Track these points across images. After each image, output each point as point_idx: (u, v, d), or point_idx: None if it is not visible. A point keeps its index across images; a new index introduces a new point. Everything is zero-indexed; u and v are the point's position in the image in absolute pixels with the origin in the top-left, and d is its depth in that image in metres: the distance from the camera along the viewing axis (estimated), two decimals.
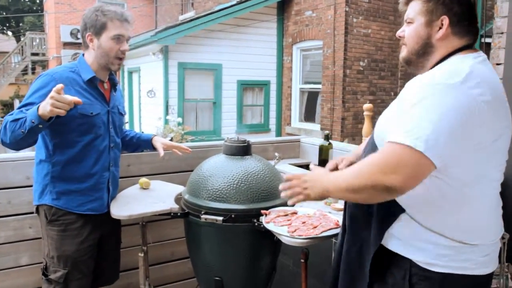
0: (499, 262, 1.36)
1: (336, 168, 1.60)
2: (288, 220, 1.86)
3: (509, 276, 2.14)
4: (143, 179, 2.38)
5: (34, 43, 18.92)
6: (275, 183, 2.08)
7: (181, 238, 2.41)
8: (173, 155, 2.48)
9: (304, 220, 1.86)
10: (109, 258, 2.16)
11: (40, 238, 2.09)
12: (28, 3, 28.02)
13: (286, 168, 2.83)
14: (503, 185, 2.15)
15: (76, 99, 1.66)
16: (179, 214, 2.04)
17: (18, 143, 1.75)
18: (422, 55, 1.33)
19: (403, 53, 1.38)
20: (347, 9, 7.59)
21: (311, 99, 9.00)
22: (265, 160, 2.20)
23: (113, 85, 2.13)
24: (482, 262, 1.24)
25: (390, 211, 1.27)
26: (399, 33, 1.39)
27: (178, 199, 2.17)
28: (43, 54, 18.97)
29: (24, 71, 20.44)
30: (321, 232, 1.74)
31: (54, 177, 1.93)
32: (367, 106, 2.89)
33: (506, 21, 2.17)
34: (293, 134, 8.91)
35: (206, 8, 12.25)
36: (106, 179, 2.06)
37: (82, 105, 1.89)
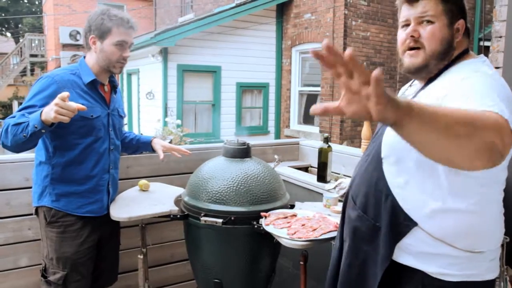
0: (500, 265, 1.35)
1: None
2: (288, 222, 1.86)
3: (508, 279, 2.15)
4: (143, 181, 2.38)
5: (33, 45, 18.93)
6: (274, 185, 2.09)
7: (181, 240, 2.41)
8: (172, 157, 2.48)
9: (303, 222, 1.87)
10: (108, 260, 2.16)
11: (39, 239, 2.09)
12: (28, 4, 28.01)
13: (285, 170, 2.83)
14: (504, 188, 2.15)
15: (80, 106, 1.66)
16: (178, 216, 2.04)
17: (19, 147, 1.76)
18: (442, 58, 1.26)
19: (418, 58, 1.26)
20: (346, 12, 7.61)
21: (310, 101, 9.01)
22: (265, 163, 2.20)
23: (113, 87, 2.13)
24: (489, 267, 1.24)
25: (403, 224, 1.22)
26: (411, 32, 1.25)
27: (177, 201, 2.18)
28: (42, 56, 18.97)
29: (23, 73, 20.42)
30: (321, 235, 1.75)
31: (54, 179, 1.93)
32: None
33: (505, 25, 2.18)
34: (292, 137, 8.92)
35: (205, 10, 12.27)
36: (106, 181, 2.06)
37: None
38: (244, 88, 9.31)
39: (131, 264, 2.40)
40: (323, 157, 2.54)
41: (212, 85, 8.94)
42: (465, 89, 1.10)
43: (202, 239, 2.01)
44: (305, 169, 3.16)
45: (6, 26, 28.85)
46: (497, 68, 2.23)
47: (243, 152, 2.12)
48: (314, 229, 1.80)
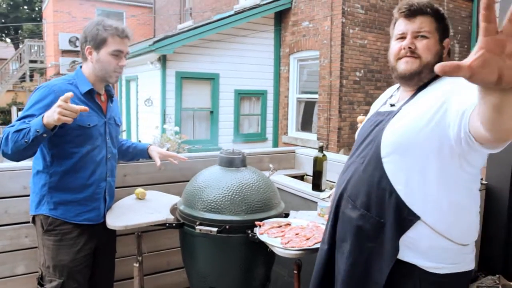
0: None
1: None
2: (282, 231, 1.89)
3: (500, 287, 2.17)
4: (139, 190, 2.40)
5: (32, 51, 18.97)
6: (269, 194, 2.11)
7: (177, 248, 2.43)
8: (169, 165, 2.51)
9: (297, 231, 1.89)
10: (104, 267, 2.18)
11: (36, 247, 2.11)
12: (27, 10, 28.09)
13: (281, 179, 2.86)
14: (487, 189, 2.19)
15: (82, 107, 1.69)
16: (174, 225, 2.06)
17: (20, 154, 1.76)
18: (432, 69, 1.32)
19: (414, 64, 1.39)
20: (343, 20, 7.68)
21: (307, 108, 9.05)
22: (260, 172, 2.23)
23: (110, 96, 2.16)
24: (471, 259, 1.38)
25: (407, 219, 1.31)
26: (409, 44, 1.39)
27: (173, 210, 2.20)
28: (41, 62, 19.01)
29: (22, 78, 20.47)
30: (314, 244, 1.77)
31: (51, 187, 1.96)
32: (360, 118, 2.93)
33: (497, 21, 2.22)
34: (290, 144, 8.95)
35: (204, 17, 12.34)
36: (103, 189, 2.09)
37: (80, 116, 1.92)
38: (242, 95, 9.36)
39: (127, 272, 2.42)
40: (318, 166, 2.57)
41: (210, 92, 8.98)
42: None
43: (197, 248, 2.04)
44: (301, 177, 3.18)
45: (6, 32, 28.93)
46: None
47: (238, 161, 2.15)
48: (308, 238, 1.82)
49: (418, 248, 1.32)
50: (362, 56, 7.99)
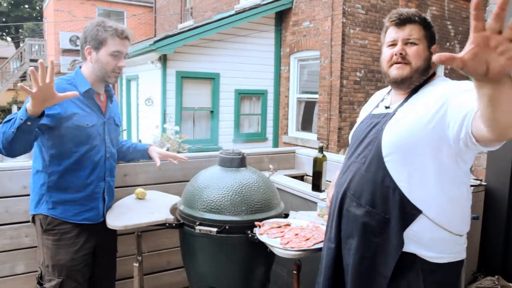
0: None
1: None
2: (281, 232, 1.89)
3: None
4: (139, 189, 2.40)
5: (33, 49, 18.96)
6: (269, 195, 2.11)
7: (177, 247, 2.43)
8: (169, 166, 2.51)
9: (297, 232, 1.89)
10: (105, 267, 2.18)
11: (35, 247, 2.11)
12: (28, 9, 28.10)
13: (281, 179, 2.86)
14: (487, 190, 2.20)
15: (70, 93, 1.68)
16: (174, 225, 2.07)
17: (11, 146, 1.72)
18: (422, 74, 1.49)
19: (405, 70, 1.48)
20: (344, 20, 7.68)
21: (308, 108, 9.05)
22: (260, 172, 2.23)
23: (109, 96, 2.16)
24: (464, 248, 1.48)
25: (410, 213, 1.39)
26: (400, 50, 1.48)
27: (173, 210, 2.20)
28: None
29: (23, 77, 20.45)
30: (313, 244, 1.77)
31: (50, 187, 1.96)
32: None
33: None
34: (290, 143, 8.95)
35: (205, 17, 12.34)
36: (102, 189, 2.09)
37: (79, 116, 1.93)
38: (242, 95, 9.36)
39: (127, 271, 2.42)
40: (317, 166, 2.57)
41: (210, 92, 8.98)
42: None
43: (197, 248, 2.04)
44: (301, 177, 3.19)
45: (6, 30, 28.94)
46: None
47: (238, 162, 2.15)
48: (307, 239, 1.82)
49: (421, 241, 1.40)
50: (363, 56, 7.99)
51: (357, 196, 1.50)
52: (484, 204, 2.22)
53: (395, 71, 1.49)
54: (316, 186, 2.57)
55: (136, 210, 2.19)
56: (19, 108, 1.85)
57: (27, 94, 1.61)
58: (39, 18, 26.58)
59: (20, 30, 27.72)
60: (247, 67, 9.15)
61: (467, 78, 1.27)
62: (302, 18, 8.72)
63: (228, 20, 8.60)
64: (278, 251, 1.76)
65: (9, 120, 1.72)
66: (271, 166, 2.54)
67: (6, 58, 21.03)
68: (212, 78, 8.89)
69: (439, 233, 1.40)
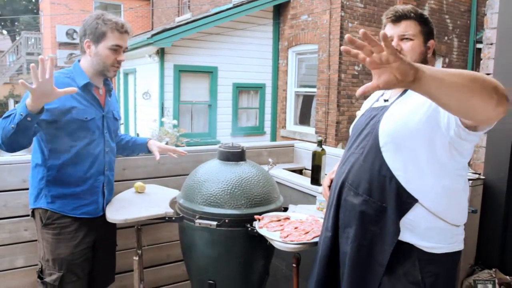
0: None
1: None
2: (281, 225, 1.90)
3: (497, 281, 2.19)
4: (139, 183, 2.40)
5: (29, 43, 18.83)
6: (268, 188, 2.12)
7: (177, 240, 2.44)
8: (168, 159, 2.51)
9: (296, 225, 1.90)
10: (104, 261, 2.18)
11: (35, 240, 2.11)
12: (24, 2, 27.90)
13: (280, 173, 2.87)
14: (485, 185, 2.22)
15: (69, 89, 1.68)
16: (173, 218, 2.07)
17: (10, 141, 1.72)
18: None
19: None
20: (342, 14, 7.66)
21: (306, 102, 9.05)
22: (259, 166, 2.24)
23: (108, 90, 2.15)
24: (462, 240, 1.51)
25: (406, 202, 1.42)
26: (396, 46, 1.52)
27: (173, 203, 2.20)
28: (39, 54, 18.86)
29: (19, 71, 20.35)
30: (313, 238, 1.78)
31: (49, 181, 1.96)
32: (358, 113, 2.94)
33: (496, 32, 2.22)
34: (288, 137, 8.96)
35: (202, 10, 12.29)
36: (101, 182, 2.09)
37: (77, 110, 1.92)
38: (240, 89, 9.35)
39: (127, 265, 2.43)
40: (316, 160, 2.58)
41: (208, 86, 8.97)
42: None
43: (197, 241, 2.05)
44: (300, 171, 3.19)
45: (2, 24, 28.73)
46: (488, 74, 2.28)
47: (237, 156, 2.15)
48: (307, 232, 1.83)
49: (416, 229, 1.43)
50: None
51: (355, 185, 1.53)
52: (482, 198, 2.23)
53: None
54: (315, 180, 2.58)
55: (136, 203, 2.19)
56: (16, 102, 1.85)
57: (25, 89, 1.60)
58: (35, 11, 26.39)
59: (16, 23, 27.53)
60: (245, 60, 9.13)
61: None
62: (300, 11, 8.69)
63: (226, 14, 8.56)
64: (278, 244, 1.77)
65: (9, 116, 1.71)
66: (270, 160, 2.55)
67: (2, 51, 20.91)
68: (210, 72, 8.87)
69: (435, 222, 1.42)
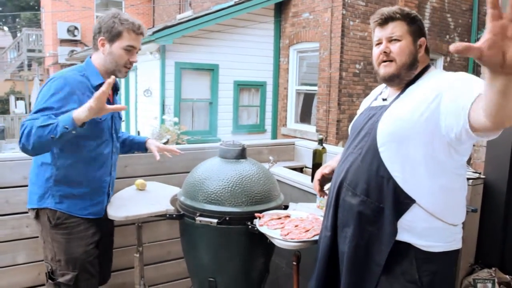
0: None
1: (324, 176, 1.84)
2: (281, 223, 1.90)
3: (496, 280, 2.20)
4: (139, 181, 2.41)
5: (30, 39, 18.81)
6: (269, 186, 2.13)
7: (177, 238, 2.45)
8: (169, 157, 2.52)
9: (296, 223, 1.91)
10: (105, 258, 2.19)
11: (36, 237, 2.11)
12: None
13: (280, 171, 2.87)
14: (485, 184, 2.22)
15: (118, 106, 1.79)
16: (174, 215, 2.08)
17: (42, 149, 1.73)
18: (410, 69, 1.54)
19: (391, 68, 1.53)
20: (344, 12, 7.65)
21: (307, 100, 9.04)
22: (260, 164, 2.24)
23: (115, 90, 2.15)
24: (460, 239, 1.52)
25: (404, 203, 1.43)
26: (384, 49, 1.54)
27: (173, 201, 2.21)
28: (40, 51, 18.88)
29: (20, 67, 20.35)
30: (313, 236, 1.79)
31: (58, 180, 1.92)
32: (359, 112, 2.94)
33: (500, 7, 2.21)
34: (289, 135, 8.96)
35: (204, 8, 12.27)
36: (108, 183, 2.09)
37: None
38: (241, 87, 9.34)
39: (127, 262, 2.44)
40: (317, 158, 2.58)
41: (209, 83, 8.96)
42: (464, 84, 1.32)
43: (197, 239, 2.05)
44: (300, 169, 3.20)
45: (3, 20, 28.72)
46: None
47: (238, 153, 2.16)
48: (307, 230, 1.84)
49: (414, 230, 1.44)
50: (362, 49, 7.97)
51: (353, 186, 1.54)
52: (483, 197, 2.23)
53: (382, 70, 1.56)
54: None
55: (137, 201, 2.20)
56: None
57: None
58: (36, 7, 26.36)
59: (17, 20, 27.51)
60: (246, 58, 9.12)
61: (465, 70, 1.29)
62: (301, 9, 8.68)
63: (227, 11, 8.55)
64: (278, 242, 1.78)
65: (47, 125, 1.67)
66: (271, 158, 2.55)
67: (3, 48, 20.91)
68: (211, 69, 8.86)
69: (433, 222, 1.43)
